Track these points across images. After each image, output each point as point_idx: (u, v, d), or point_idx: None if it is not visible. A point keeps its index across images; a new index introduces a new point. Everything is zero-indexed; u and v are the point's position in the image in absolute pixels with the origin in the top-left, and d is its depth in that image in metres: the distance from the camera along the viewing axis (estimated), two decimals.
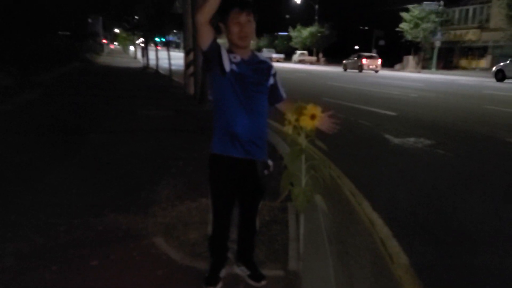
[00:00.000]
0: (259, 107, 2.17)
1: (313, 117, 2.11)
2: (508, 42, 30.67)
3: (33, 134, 6.11)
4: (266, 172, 2.27)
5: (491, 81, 22.84)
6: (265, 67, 2.21)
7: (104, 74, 20.12)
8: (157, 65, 21.52)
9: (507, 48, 32.98)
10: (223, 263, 2.35)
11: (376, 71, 32.25)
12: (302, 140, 2.18)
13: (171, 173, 4.29)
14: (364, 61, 32.73)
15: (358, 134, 7.27)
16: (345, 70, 34.76)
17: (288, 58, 54.87)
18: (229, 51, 2.11)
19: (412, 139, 6.74)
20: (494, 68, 24.58)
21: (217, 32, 2.06)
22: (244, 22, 2.04)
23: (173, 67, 17.26)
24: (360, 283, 2.56)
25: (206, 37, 1.99)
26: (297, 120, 2.14)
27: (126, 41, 45.45)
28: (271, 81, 2.23)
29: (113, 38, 67.19)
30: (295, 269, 2.45)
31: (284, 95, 2.33)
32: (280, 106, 2.34)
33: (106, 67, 25.88)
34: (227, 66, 2.05)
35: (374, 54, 35.32)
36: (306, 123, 2.12)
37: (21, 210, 3.25)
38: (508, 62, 23.14)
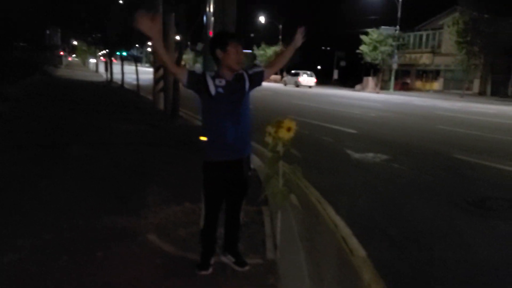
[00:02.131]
0: (243, 112, 2.62)
1: (289, 129, 2.60)
2: (458, 66, 32.94)
3: (14, 148, 6.25)
4: (250, 173, 2.73)
5: (442, 103, 24.49)
6: (241, 77, 2.64)
7: (69, 87, 19.97)
8: (122, 79, 21.49)
9: (457, 72, 35.40)
10: (213, 252, 2.77)
11: (310, 87, 37.99)
12: (280, 148, 2.67)
13: (155, 182, 4.66)
14: (300, 78, 38.94)
15: (322, 150, 7.88)
16: (285, 85, 39.91)
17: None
18: (216, 75, 2.57)
19: (371, 154, 7.40)
20: None
21: (215, 60, 2.54)
22: (240, 51, 2.54)
23: (135, 82, 17.34)
24: (326, 271, 3.04)
25: (181, 76, 2.52)
26: (276, 132, 2.63)
27: (86, 54, 44.82)
28: (247, 83, 2.63)
29: (71, 50, 65.67)
30: (272, 258, 2.90)
31: (262, 69, 2.75)
32: (268, 73, 2.77)
33: (69, 80, 25.54)
34: (212, 91, 2.52)
35: (309, 72, 40.27)
36: (283, 134, 2.61)
37: (23, 213, 3.56)
38: None
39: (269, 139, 2.64)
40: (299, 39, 2.87)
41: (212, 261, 2.74)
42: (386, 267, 3.24)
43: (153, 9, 13.28)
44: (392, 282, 2.96)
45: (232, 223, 2.82)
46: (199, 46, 6.92)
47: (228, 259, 2.81)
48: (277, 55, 2.90)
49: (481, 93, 34.81)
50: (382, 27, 39.25)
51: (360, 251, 3.46)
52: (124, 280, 2.55)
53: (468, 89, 34.20)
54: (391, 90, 38.37)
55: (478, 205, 4.84)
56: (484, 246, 3.74)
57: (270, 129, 2.62)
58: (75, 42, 50.42)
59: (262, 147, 2.74)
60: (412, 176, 6.18)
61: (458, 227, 4.19)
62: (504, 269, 3.33)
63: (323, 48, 67.03)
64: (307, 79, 39.05)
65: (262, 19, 57.99)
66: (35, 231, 3.14)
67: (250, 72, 2.69)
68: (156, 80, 12.70)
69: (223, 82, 2.55)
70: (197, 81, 2.53)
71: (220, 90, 2.53)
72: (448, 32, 33.23)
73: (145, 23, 2.30)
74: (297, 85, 38.36)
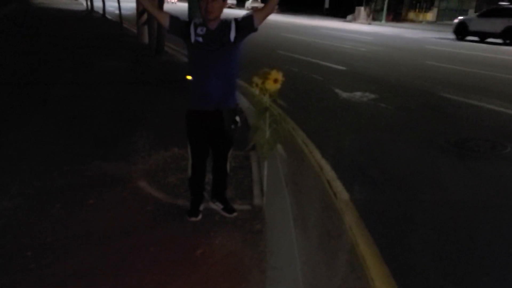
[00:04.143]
0: (226, 62, 2.55)
1: (275, 81, 2.59)
2: None
3: None
4: (233, 126, 2.72)
5: (432, 37, 24.07)
6: (226, 26, 2.54)
7: (47, 18, 19.00)
8: (104, 9, 20.48)
9: (452, 2, 34.33)
10: (201, 199, 2.88)
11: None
12: (267, 100, 2.67)
13: (141, 124, 4.66)
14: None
15: (310, 88, 7.85)
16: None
17: (241, 4, 53.66)
18: (200, 23, 2.50)
19: (358, 93, 7.42)
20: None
21: None
22: (210, 0, 2.40)
23: (117, 11, 16.54)
24: (310, 214, 3.19)
25: (162, 20, 2.48)
26: (262, 83, 2.61)
27: None
28: (233, 32, 2.52)
29: None
30: (259, 204, 3.03)
31: (251, 13, 2.59)
32: (258, 17, 2.57)
33: (47, 9, 24.25)
34: (192, 38, 2.49)
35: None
36: (270, 85, 2.60)
37: (11, 159, 3.58)
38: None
39: (256, 90, 2.63)
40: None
41: (201, 207, 2.85)
42: (367, 208, 3.41)
43: None
44: (372, 224, 3.13)
45: (219, 172, 2.89)
46: None
47: (216, 206, 2.92)
48: (265, 3, 2.72)
49: None
50: None
51: (343, 194, 3.61)
52: (116, 228, 2.66)
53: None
54: (383, 21, 37.37)
55: (460, 145, 4.98)
56: (462, 187, 3.92)
57: (257, 80, 2.60)
58: None
59: (251, 87, 2.71)
60: (398, 116, 6.27)
61: (438, 168, 4.36)
62: (480, 210, 3.53)
63: None
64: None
65: None
66: (24, 178, 3.19)
67: (239, 19, 2.58)
68: (140, 13, 12.11)
69: (204, 31, 2.49)
70: (180, 28, 2.50)
71: (199, 39, 2.48)
72: None
73: None
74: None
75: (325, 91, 7.66)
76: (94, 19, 19.91)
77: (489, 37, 19.42)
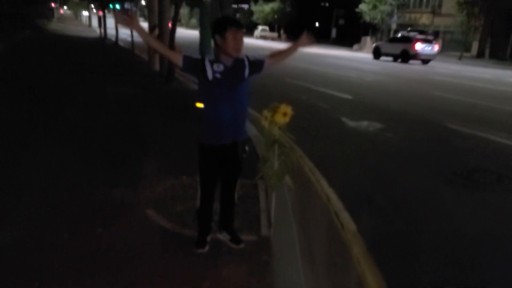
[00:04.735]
0: (241, 96, 2.65)
1: (285, 114, 2.64)
2: (457, 28, 32.44)
3: (6, 111, 6.23)
4: (244, 155, 2.80)
5: (439, 66, 24.31)
6: (241, 63, 2.65)
7: (61, 44, 19.53)
8: (116, 36, 20.99)
9: (456, 33, 34.89)
10: (209, 230, 2.89)
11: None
12: (276, 132, 2.71)
13: (151, 150, 4.73)
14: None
15: (317, 116, 7.92)
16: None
17: (249, 32, 54.84)
18: (216, 60, 2.57)
19: (365, 123, 7.47)
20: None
21: (215, 44, 2.53)
22: (239, 37, 2.52)
23: (130, 38, 16.94)
24: (317, 246, 3.18)
25: (176, 61, 2.53)
26: (272, 116, 2.66)
27: (78, 7, 43.38)
28: (247, 69, 2.64)
29: (62, 1, 63.51)
30: (266, 235, 3.03)
31: (263, 58, 2.76)
32: (268, 64, 2.77)
33: (61, 36, 24.92)
34: (210, 75, 2.53)
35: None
36: (280, 119, 2.65)
37: (20, 185, 3.63)
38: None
39: (265, 123, 2.68)
40: (304, 41, 2.85)
41: (209, 238, 2.86)
42: (375, 240, 3.39)
43: None
44: (380, 256, 3.11)
45: (227, 201, 2.92)
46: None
47: (223, 236, 2.93)
48: (280, 51, 2.87)
49: (480, 56, 34.50)
50: None
51: (350, 225, 3.59)
52: (123, 258, 2.67)
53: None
54: None
55: (466, 177, 4.98)
56: (470, 220, 3.90)
57: (267, 113, 2.66)
58: None
59: (258, 113, 2.78)
60: (404, 146, 6.29)
61: (445, 199, 4.35)
62: (487, 242, 3.49)
63: (322, 4, 65.29)
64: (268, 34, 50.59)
65: None
66: (35, 204, 3.23)
67: (252, 58, 2.69)
68: None
69: (221, 68, 2.55)
70: (194, 66, 2.54)
71: (217, 75, 2.53)
72: None
73: (123, 20, 2.41)
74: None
75: (332, 120, 7.72)
76: (107, 46, 20.41)
77: (393, 57, 25.41)
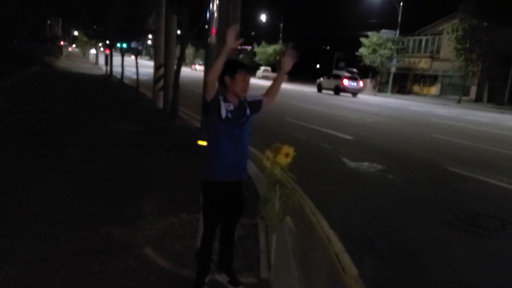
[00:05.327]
0: (245, 136, 2.71)
1: (287, 155, 2.67)
2: (455, 72, 33.19)
3: (10, 145, 6.27)
4: (247, 194, 2.80)
5: (438, 109, 24.65)
6: (242, 103, 2.73)
7: (67, 81, 19.92)
8: (122, 74, 21.43)
9: (454, 77, 35.65)
10: (208, 271, 2.82)
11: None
12: (278, 172, 2.72)
13: (151, 188, 4.71)
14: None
15: (318, 156, 7.95)
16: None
17: (252, 72, 55.98)
18: (225, 99, 2.64)
19: (366, 164, 7.48)
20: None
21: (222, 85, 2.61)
22: (247, 79, 2.65)
23: (135, 76, 17.28)
24: None
25: (212, 92, 2.54)
26: (274, 157, 2.69)
27: (86, 45, 44.66)
28: (248, 109, 2.73)
29: (71, 40, 65.51)
30: (266, 277, 2.96)
31: (261, 98, 2.84)
32: (266, 102, 2.85)
33: (68, 73, 25.44)
34: (223, 114, 2.59)
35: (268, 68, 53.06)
36: (281, 159, 2.67)
37: (19, 221, 3.58)
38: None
39: (267, 163, 2.70)
40: (288, 62, 2.83)
41: (207, 279, 2.80)
42: (376, 286, 3.31)
43: (154, 5, 13.38)
44: None
45: (228, 241, 2.87)
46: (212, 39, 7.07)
47: (222, 278, 2.86)
48: (272, 84, 2.94)
49: (478, 100, 35.06)
50: (383, 30, 39.31)
51: (352, 269, 3.53)
52: None
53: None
54: (389, 93, 38.52)
55: (469, 222, 4.91)
56: (474, 267, 3.82)
57: (269, 153, 2.68)
58: (76, 33, 50.25)
59: (259, 152, 2.80)
60: (405, 189, 6.27)
61: (448, 245, 4.28)
62: None
63: (323, 47, 67.20)
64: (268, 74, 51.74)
65: (263, 17, 57.94)
66: (31, 243, 3.17)
67: (250, 99, 2.77)
68: (156, 79, 12.73)
69: (232, 107, 2.63)
70: (214, 102, 2.58)
71: (230, 114, 2.60)
72: (447, 38, 33.38)
73: (232, 38, 2.44)
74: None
75: (333, 160, 7.74)
76: (112, 83, 20.78)
77: (332, 90, 30.65)
